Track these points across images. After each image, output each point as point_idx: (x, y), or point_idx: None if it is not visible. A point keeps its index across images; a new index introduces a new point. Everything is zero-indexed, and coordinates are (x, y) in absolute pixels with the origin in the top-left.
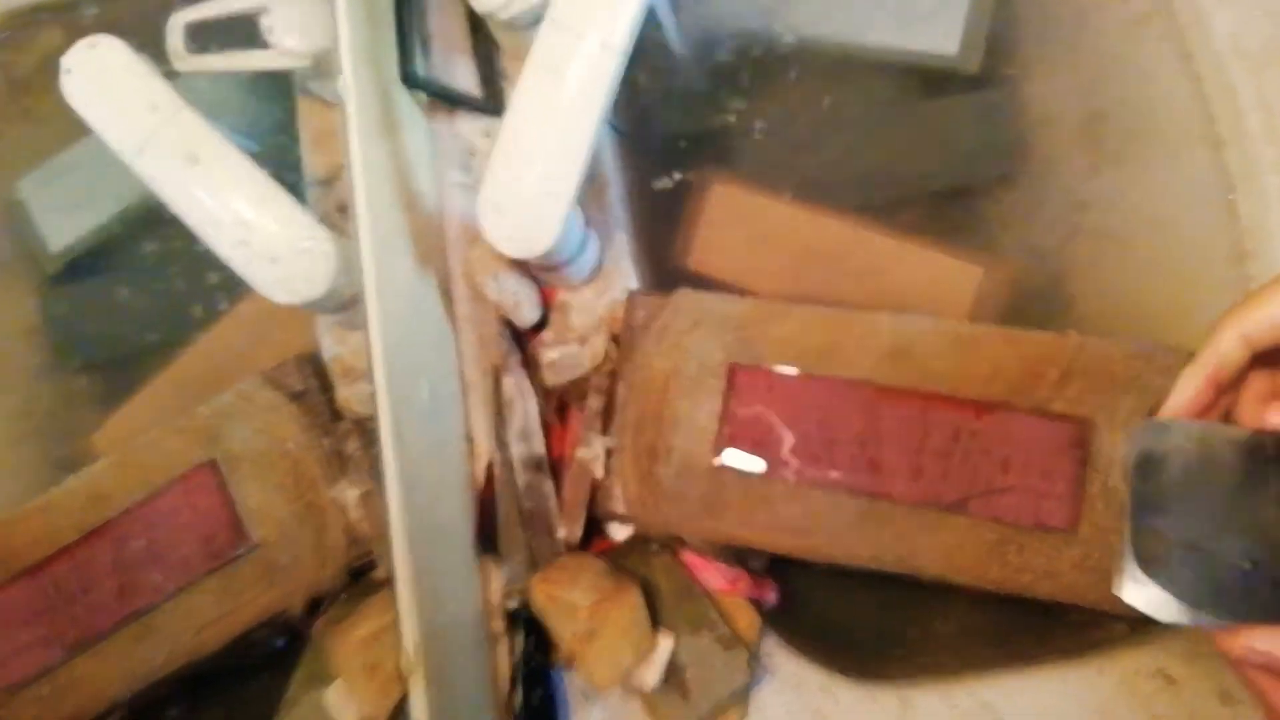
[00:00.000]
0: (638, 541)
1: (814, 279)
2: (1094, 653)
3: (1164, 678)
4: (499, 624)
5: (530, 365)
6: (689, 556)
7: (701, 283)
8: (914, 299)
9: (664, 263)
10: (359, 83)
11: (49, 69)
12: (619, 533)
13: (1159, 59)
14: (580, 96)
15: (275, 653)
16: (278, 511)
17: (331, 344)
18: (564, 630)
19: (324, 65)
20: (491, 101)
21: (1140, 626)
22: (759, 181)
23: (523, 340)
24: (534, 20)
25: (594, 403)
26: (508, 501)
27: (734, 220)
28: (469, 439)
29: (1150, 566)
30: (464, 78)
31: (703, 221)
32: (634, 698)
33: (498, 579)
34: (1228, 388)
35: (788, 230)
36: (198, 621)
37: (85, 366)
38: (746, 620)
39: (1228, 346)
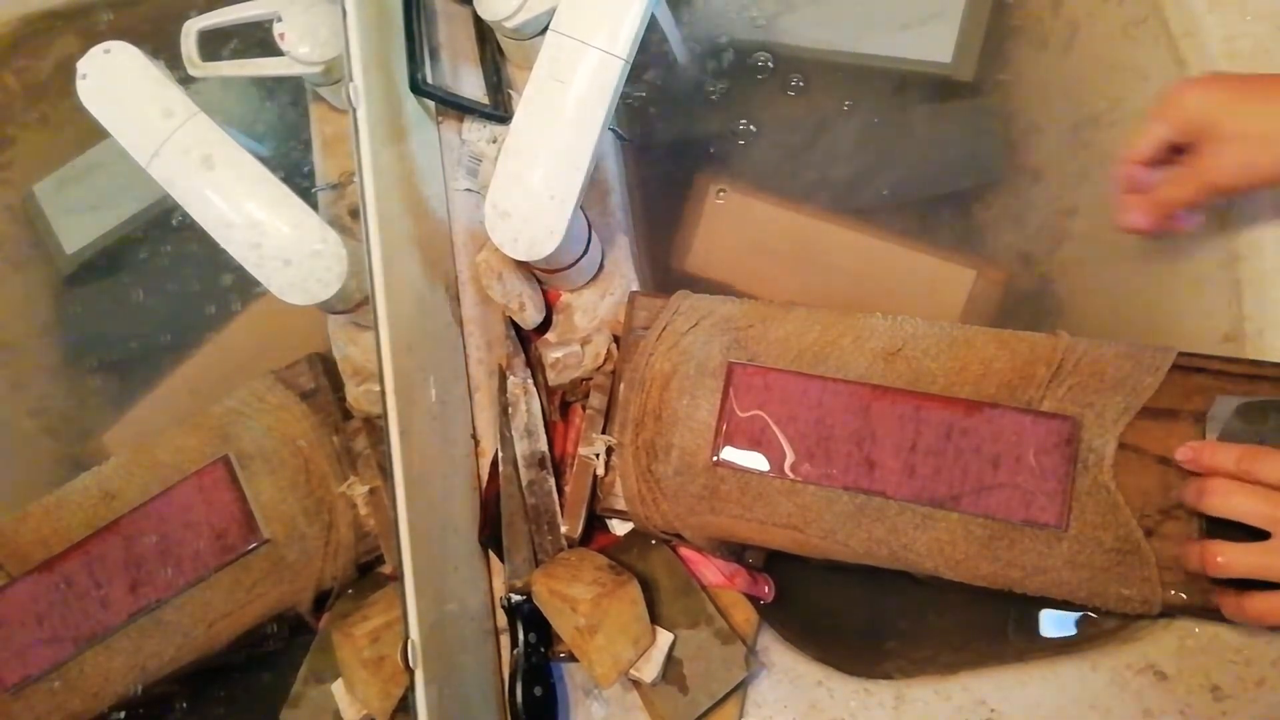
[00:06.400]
0: (637, 537)
1: (810, 281)
2: (1086, 648)
3: (1155, 673)
4: (501, 619)
5: (534, 365)
6: (687, 552)
7: (700, 285)
8: (908, 301)
9: (664, 265)
10: (369, 90)
11: (65, 74)
12: (619, 528)
13: (1151, 64)
14: (584, 104)
15: (282, 647)
16: (288, 508)
17: (342, 344)
18: (565, 625)
19: (335, 72)
20: (498, 109)
21: (1132, 622)
22: (757, 186)
23: (527, 341)
24: (539, 30)
25: (596, 401)
26: (512, 498)
27: (732, 224)
28: (474, 437)
29: None
30: (471, 85)
31: (702, 225)
32: (633, 691)
33: (501, 574)
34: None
35: (784, 234)
36: (208, 616)
37: (99, 366)
38: (743, 615)
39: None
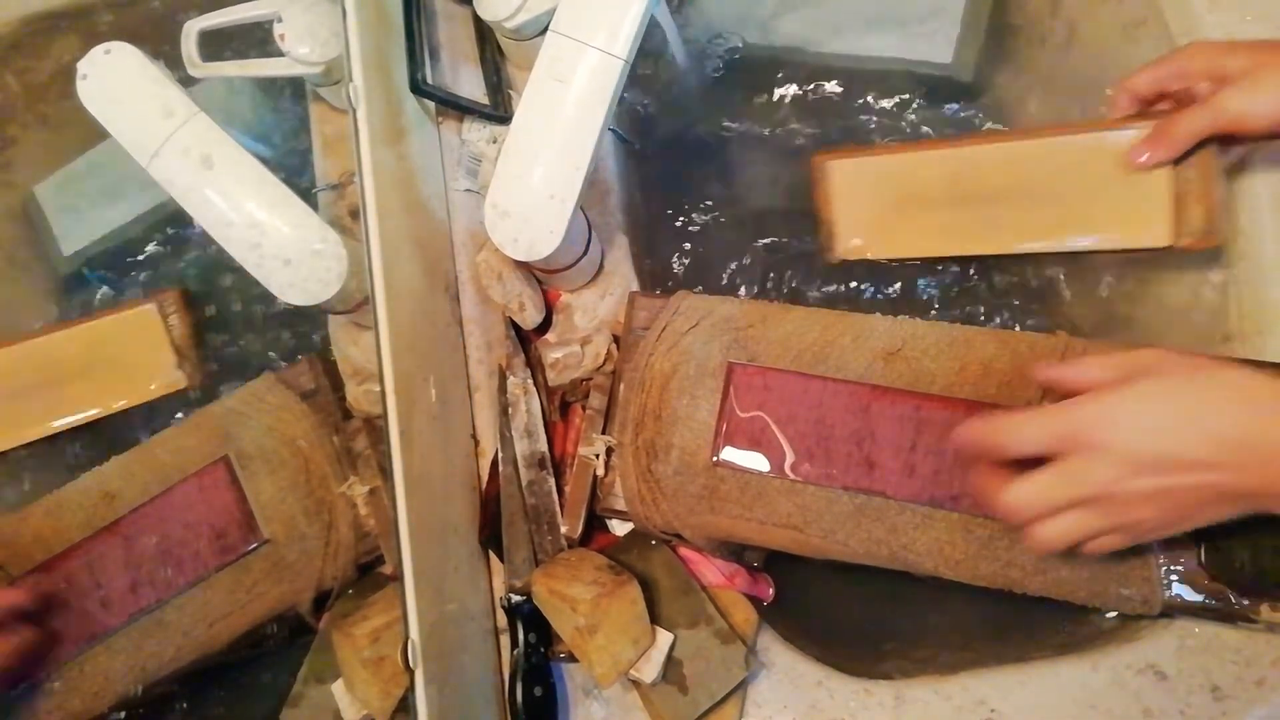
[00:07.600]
0: (637, 537)
1: None
2: (1086, 648)
3: (1155, 673)
4: (501, 619)
5: (534, 365)
6: (687, 552)
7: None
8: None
9: (665, 265)
10: (369, 90)
11: (65, 75)
12: (619, 528)
13: None
14: (584, 104)
15: (283, 647)
16: (288, 508)
17: (342, 344)
18: (565, 625)
19: (335, 72)
20: (498, 109)
21: (1131, 622)
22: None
23: (527, 341)
24: (540, 30)
25: (595, 401)
26: (512, 498)
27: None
28: (474, 437)
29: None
30: (471, 85)
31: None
32: (633, 691)
33: (501, 574)
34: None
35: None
36: (208, 616)
37: None
38: (743, 615)
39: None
